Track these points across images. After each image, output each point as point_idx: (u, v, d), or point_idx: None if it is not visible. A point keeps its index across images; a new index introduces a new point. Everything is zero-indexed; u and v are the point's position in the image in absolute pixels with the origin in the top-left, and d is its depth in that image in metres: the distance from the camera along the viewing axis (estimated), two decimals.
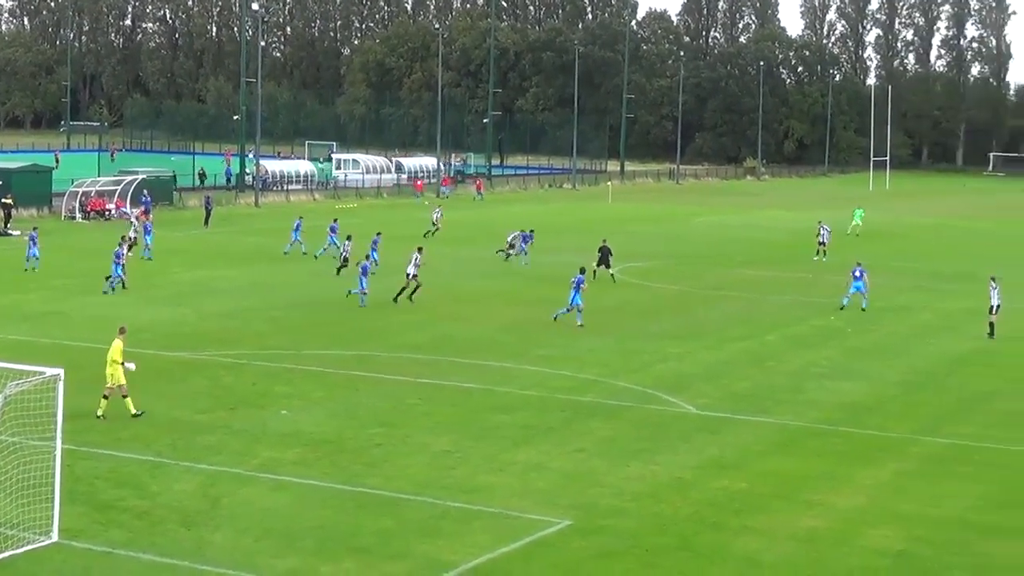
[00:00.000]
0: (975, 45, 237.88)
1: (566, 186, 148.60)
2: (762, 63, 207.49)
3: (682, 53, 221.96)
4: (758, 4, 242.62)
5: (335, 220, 70.75)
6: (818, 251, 75.13)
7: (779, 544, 25.01)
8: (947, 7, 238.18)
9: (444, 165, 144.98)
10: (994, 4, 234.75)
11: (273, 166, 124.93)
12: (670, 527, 25.77)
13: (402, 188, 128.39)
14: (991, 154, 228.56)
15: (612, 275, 62.00)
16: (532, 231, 70.46)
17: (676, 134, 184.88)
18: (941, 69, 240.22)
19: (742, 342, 47.21)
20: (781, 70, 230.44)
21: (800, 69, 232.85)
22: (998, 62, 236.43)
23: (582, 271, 51.14)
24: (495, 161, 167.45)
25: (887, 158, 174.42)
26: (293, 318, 49.69)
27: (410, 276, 53.56)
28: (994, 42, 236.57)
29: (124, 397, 32.34)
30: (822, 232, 76.05)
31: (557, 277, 63.27)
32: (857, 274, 55.69)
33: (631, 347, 45.27)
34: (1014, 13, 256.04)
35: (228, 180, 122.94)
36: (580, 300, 48.88)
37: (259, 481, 27.83)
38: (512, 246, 69.60)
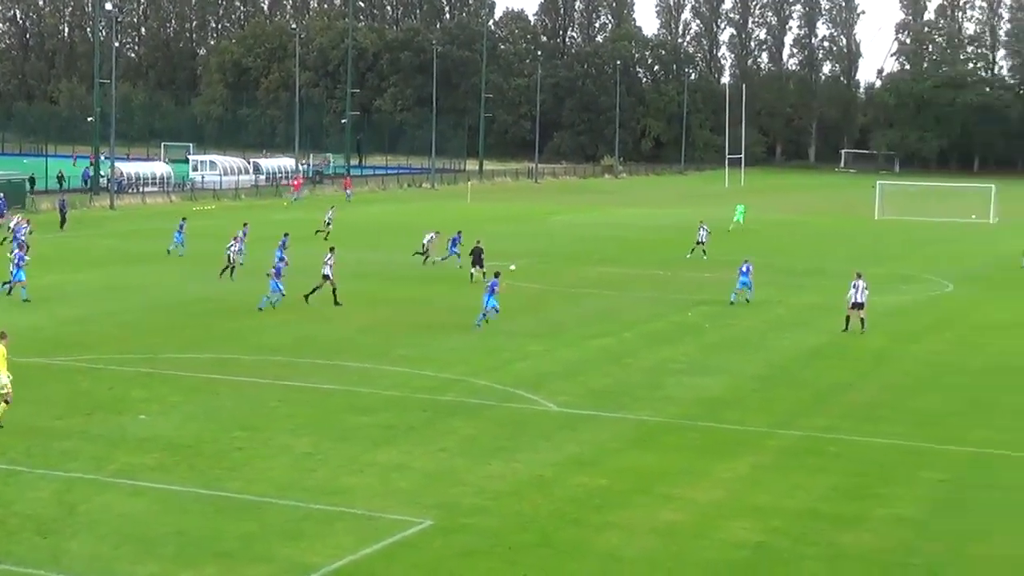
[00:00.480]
0: (826, 44, 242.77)
1: (425, 186, 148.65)
2: (619, 62, 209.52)
3: (539, 52, 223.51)
4: (614, 4, 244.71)
5: (245, 224, 69.06)
6: (693, 249, 75.95)
7: (639, 538, 25.25)
8: (799, 7, 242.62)
9: (303, 166, 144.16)
10: (844, 4, 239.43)
11: (129, 168, 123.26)
12: (531, 525, 25.89)
13: (260, 189, 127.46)
14: (842, 151, 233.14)
15: (471, 274, 62.02)
16: (460, 232, 69.70)
17: (534, 133, 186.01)
18: (794, 68, 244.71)
19: (601, 339, 47.55)
20: (638, 69, 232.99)
21: (656, 68, 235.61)
22: (848, 60, 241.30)
23: (496, 275, 51.04)
24: (354, 161, 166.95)
25: (742, 155, 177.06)
26: (151, 321, 49.08)
27: (327, 277, 53.52)
28: (844, 41, 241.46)
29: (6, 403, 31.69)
30: (701, 232, 77.06)
31: (417, 277, 63.39)
32: (744, 269, 56.91)
33: (491, 346, 45.38)
34: (863, 13, 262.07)
35: (86, 182, 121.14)
36: (496, 303, 48.73)
37: (117, 487, 27.44)
38: (427, 250, 69.13)
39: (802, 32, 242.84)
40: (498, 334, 47.70)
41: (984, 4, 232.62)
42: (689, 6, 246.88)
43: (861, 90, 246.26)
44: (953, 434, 34.21)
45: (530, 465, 30.04)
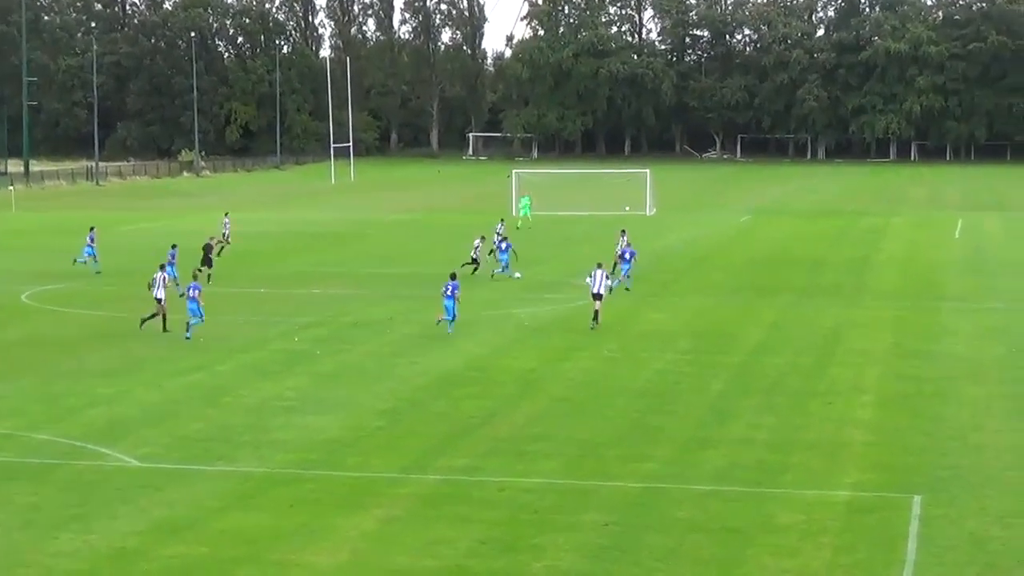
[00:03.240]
0: (444, 7, 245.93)
1: None
2: (194, 34, 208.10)
3: (94, 24, 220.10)
4: None
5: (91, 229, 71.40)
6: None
7: None
8: None
9: None
10: None
11: None
12: None
13: None
14: (470, 135, 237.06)
15: (208, 275, 67.20)
16: (506, 238, 75.71)
17: (93, 124, 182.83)
18: (407, 36, 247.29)
19: (191, 375, 47.14)
20: (218, 42, 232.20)
21: (240, 41, 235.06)
22: (471, 26, 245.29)
23: (453, 277, 54.67)
24: None
25: (350, 144, 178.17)
26: None
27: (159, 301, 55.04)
28: (465, 3, 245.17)
29: None
30: (499, 228, 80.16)
31: None
32: (627, 256, 67.95)
33: (52, 391, 44.44)
34: None
35: None
36: (455, 308, 53.85)
37: None
38: (476, 259, 71.80)
39: None
40: (58, 376, 46.78)
41: None
42: None
43: (489, 61, 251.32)
44: (617, 468, 35.20)
45: (108, 536, 29.57)
